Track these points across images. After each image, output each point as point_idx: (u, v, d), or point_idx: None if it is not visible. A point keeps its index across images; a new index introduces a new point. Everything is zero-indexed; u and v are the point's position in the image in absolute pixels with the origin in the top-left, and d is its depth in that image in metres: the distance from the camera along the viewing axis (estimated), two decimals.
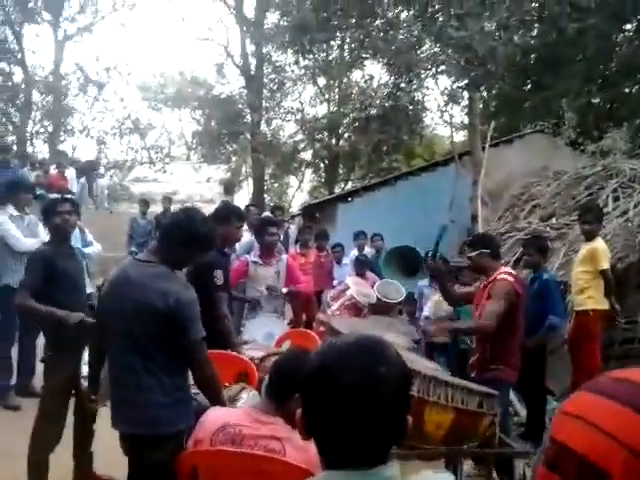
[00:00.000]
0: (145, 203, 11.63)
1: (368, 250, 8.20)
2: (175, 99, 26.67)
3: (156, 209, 12.83)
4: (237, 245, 7.16)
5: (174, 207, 10.86)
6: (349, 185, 19.62)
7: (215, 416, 2.21)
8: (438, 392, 2.54)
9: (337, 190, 18.49)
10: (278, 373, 2.19)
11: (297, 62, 16.53)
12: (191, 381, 2.69)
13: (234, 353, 3.81)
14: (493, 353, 3.69)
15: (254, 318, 5.13)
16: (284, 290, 5.26)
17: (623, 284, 6.15)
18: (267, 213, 7.98)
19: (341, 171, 21.22)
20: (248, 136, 19.15)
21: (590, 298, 5.12)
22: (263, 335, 4.93)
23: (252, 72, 18.85)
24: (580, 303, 5.19)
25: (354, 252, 8.06)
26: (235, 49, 19.73)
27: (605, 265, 5.06)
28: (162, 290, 2.50)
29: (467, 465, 3.21)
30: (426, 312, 5.80)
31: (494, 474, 2.86)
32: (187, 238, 2.65)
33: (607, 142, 8.36)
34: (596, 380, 0.81)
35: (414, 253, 7.13)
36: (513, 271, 3.94)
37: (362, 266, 6.96)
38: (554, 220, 7.41)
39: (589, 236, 5.21)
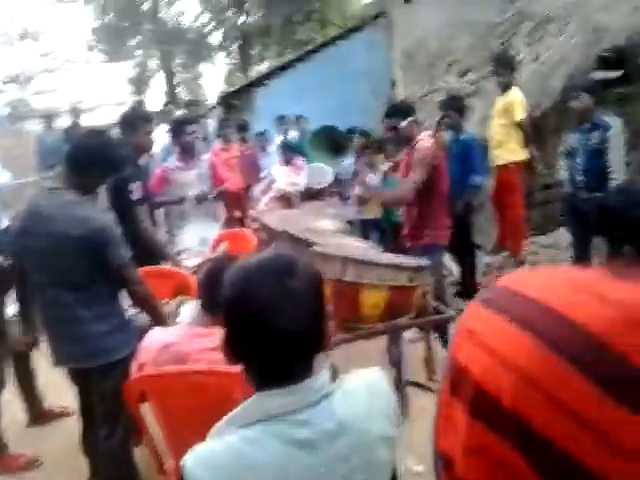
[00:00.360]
0: (49, 118, 10.77)
1: (293, 134, 8.01)
2: None
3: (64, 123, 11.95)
4: (157, 150, 6.91)
5: (85, 117, 10.13)
6: (265, 65, 18.77)
7: (154, 338, 2.20)
8: (370, 274, 2.61)
9: (254, 72, 17.70)
10: (207, 283, 2.17)
11: None
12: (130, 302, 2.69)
13: (168, 266, 3.77)
14: (421, 219, 3.77)
15: (184, 226, 5.04)
16: (210, 196, 5.14)
17: (540, 131, 6.31)
18: (181, 111, 7.57)
19: (255, 51, 20.22)
20: (149, 26, 17.76)
21: (509, 151, 5.25)
22: (197, 241, 4.88)
23: None
24: (500, 157, 5.32)
25: (279, 138, 7.87)
26: None
27: (521, 115, 5.13)
28: (77, 218, 2.42)
29: (410, 332, 3.40)
30: (355, 190, 5.81)
31: (433, 336, 3.05)
32: (93, 162, 2.55)
33: None
34: (494, 291, 0.80)
35: (337, 132, 7.02)
36: (430, 133, 3.90)
37: (288, 152, 6.83)
38: (470, 74, 7.37)
39: (504, 87, 5.22)
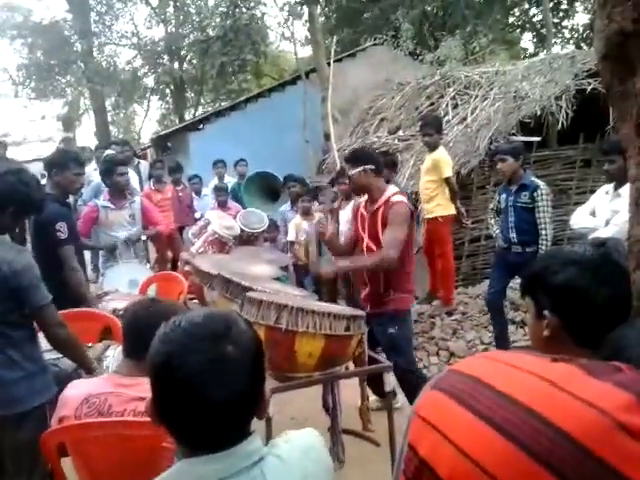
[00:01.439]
0: None
1: (229, 179, 7.99)
2: None
3: None
4: (84, 190, 6.70)
5: (10, 151, 9.66)
6: (200, 110, 18.82)
7: (76, 390, 2.06)
8: (306, 322, 2.57)
9: (188, 117, 17.68)
10: (130, 328, 2.07)
11: None
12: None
13: (93, 309, 3.60)
14: (388, 282, 3.39)
15: (113, 266, 4.87)
16: (143, 237, 5.04)
17: (467, 187, 6.63)
18: (109, 151, 7.40)
19: (190, 96, 20.26)
20: (82, 65, 17.45)
21: (438, 205, 5.47)
22: (126, 283, 4.72)
23: None
24: (429, 211, 5.53)
25: (214, 181, 7.83)
26: None
27: (448, 173, 5.38)
28: None
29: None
30: (290, 237, 5.85)
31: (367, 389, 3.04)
32: (7, 201, 2.42)
33: (443, 51, 8.67)
34: (448, 377, 0.77)
35: (273, 178, 7.07)
36: (398, 190, 3.55)
37: (222, 194, 6.81)
38: (401, 132, 7.68)
39: (431, 147, 5.47)
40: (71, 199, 6.77)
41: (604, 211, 3.86)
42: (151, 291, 4.42)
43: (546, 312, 1.24)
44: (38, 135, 21.41)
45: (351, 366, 2.94)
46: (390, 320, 3.38)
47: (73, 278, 3.69)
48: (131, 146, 8.64)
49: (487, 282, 6.32)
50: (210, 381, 0.96)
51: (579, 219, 4.06)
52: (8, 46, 22.81)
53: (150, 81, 19.36)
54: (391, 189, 3.44)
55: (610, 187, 3.90)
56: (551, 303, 1.23)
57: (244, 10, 11.54)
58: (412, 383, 3.36)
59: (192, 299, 4.05)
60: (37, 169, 5.30)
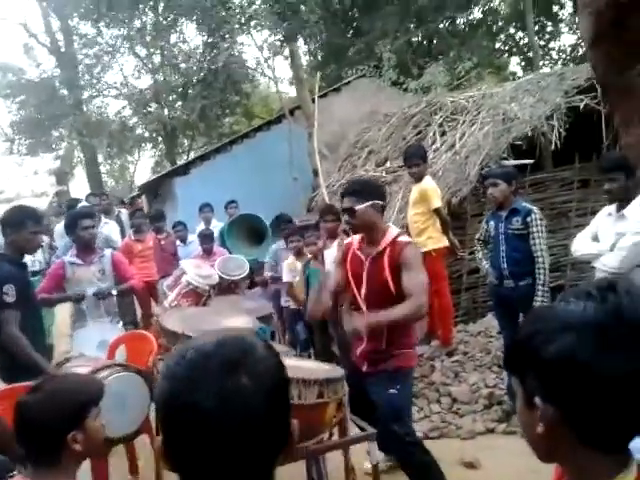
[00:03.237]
0: None
1: (217, 223, 7.67)
2: None
3: None
4: (60, 245, 6.40)
5: (3, 207, 9.45)
6: (192, 155, 18.73)
7: None
8: None
9: (181, 162, 17.57)
10: (22, 429, 1.70)
11: (100, 33, 15.14)
12: None
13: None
14: (391, 337, 2.94)
15: (83, 327, 4.51)
16: (114, 292, 4.67)
17: (460, 217, 6.30)
18: (84, 203, 7.12)
19: (183, 141, 20.23)
20: (71, 118, 17.46)
21: (429, 239, 5.14)
22: (96, 344, 4.35)
23: (62, 49, 17.06)
24: (421, 245, 5.17)
25: (201, 226, 7.51)
26: (39, 26, 17.86)
27: (437, 203, 5.07)
28: None
29: None
30: (286, 278, 5.43)
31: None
32: None
33: (427, 78, 8.48)
34: None
35: (257, 220, 6.77)
36: (401, 231, 3.17)
37: (207, 241, 6.48)
38: (388, 164, 7.41)
39: (417, 178, 5.16)
40: (46, 255, 6.54)
41: (608, 235, 3.51)
42: (120, 352, 4.06)
43: (537, 400, 0.88)
44: (31, 190, 21.34)
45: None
46: (391, 379, 2.91)
47: (13, 346, 3.36)
48: (109, 196, 8.38)
49: (489, 317, 5.96)
50: (223, 419, 0.84)
51: (581, 245, 3.71)
52: (2, 105, 23.09)
53: (140, 130, 19.35)
54: (394, 229, 3.05)
55: (612, 208, 3.56)
56: (542, 386, 0.87)
57: (221, 50, 11.40)
58: (415, 457, 2.90)
59: (162, 360, 3.69)
60: None
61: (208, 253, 6.39)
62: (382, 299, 2.87)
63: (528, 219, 3.95)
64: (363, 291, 2.99)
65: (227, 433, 0.84)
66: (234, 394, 0.85)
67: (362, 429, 2.58)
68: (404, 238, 2.99)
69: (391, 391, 2.90)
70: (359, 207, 2.93)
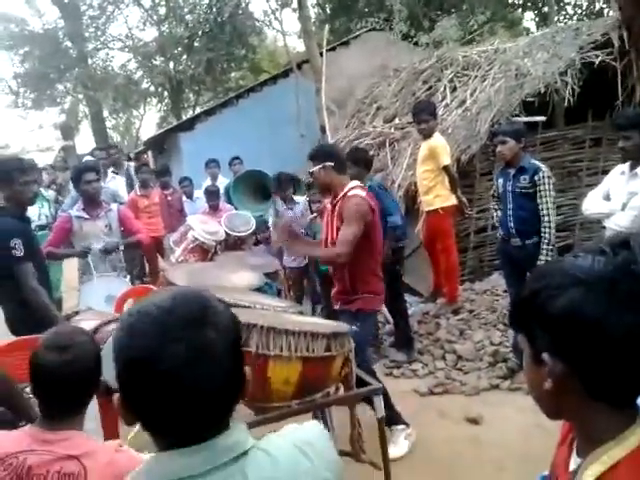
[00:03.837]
0: None
1: (223, 179, 7.60)
2: None
3: None
4: (68, 199, 6.37)
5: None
6: (198, 110, 18.50)
7: None
8: (279, 343, 2.21)
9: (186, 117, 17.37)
10: (39, 377, 1.72)
11: None
12: None
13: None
14: (354, 281, 3.34)
15: (89, 281, 4.53)
16: (121, 247, 4.66)
17: (469, 175, 6.22)
18: (90, 157, 7.06)
19: (189, 96, 19.94)
20: (76, 72, 17.20)
21: (437, 197, 5.07)
22: (103, 299, 4.38)
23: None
24: (429, 203, 5.14)
25: (207, 182, 7.45)
26: None
27: (446, 161, 4.98)
28: None
29: None
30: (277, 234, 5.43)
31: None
32: None
33: (438, 32, 8.24)
34: None
35: (263, 176, 6.69)
36: (359, 184, 3.46)
37: (213, 197, 6.44)
38: (397, 120, 7.27)
39: (426, 134, 5.06)
40: (52, 210, 6.53)
41: (620, 194, 3.45)
42: (128, 306, 4.08)
43: (545, 355, 0.86)
44: (37, 145, 21.20)
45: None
46: (352, 318, 3.22)
47: (34, 299, 3.36)
48: (119, 149, 8.29)
49: (495, 276, 5.95)
50: (194, 372, 0.86)
51: (592, 204, 3.66)
52: (5, 56, 22.72)
53: (146, 84, 19.08)
54: (351, 184, 3.37)
55: (626, 167, 3.49)
56: (551, 342, 0.86)
57: (228, 1, 11.04)
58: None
59: None
60: None
61: (214, 209, 6.36)
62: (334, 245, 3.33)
63: (536, 177, 3.89)
64: (324, 237, 3.50)
65: (197, 385, 0.86)
66: (204, 347, 0.87)
67: (368, 383, 2.60)
68: (353, 191, 3.28)
69: (353, 328, 3.07)
70: (314, 170, 3.38)
